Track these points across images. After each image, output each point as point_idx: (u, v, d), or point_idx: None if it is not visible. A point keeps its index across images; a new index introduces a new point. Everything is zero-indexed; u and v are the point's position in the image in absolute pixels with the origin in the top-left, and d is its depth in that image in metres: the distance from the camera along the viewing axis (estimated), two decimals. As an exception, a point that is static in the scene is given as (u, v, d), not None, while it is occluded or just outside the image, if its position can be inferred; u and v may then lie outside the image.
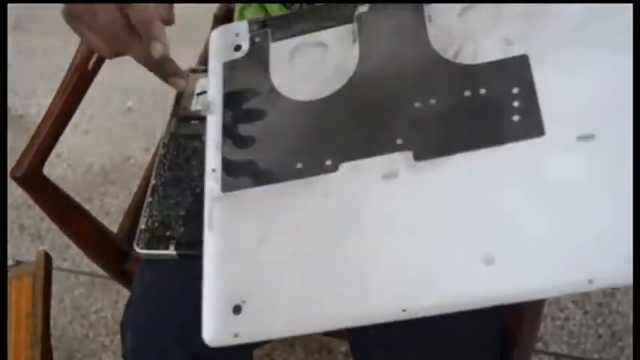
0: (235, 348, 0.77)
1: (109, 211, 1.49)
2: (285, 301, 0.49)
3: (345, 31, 0.57)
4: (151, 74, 0.60)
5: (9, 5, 1.89)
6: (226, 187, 0.54)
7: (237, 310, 0.49)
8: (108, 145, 1.60)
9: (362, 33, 0.56)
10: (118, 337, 0.81)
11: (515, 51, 0.51)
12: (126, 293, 1.22)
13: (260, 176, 0.53)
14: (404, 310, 0.46)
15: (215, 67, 0.60)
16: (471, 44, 0.53)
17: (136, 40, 0.57)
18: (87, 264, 1.38)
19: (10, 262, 0.97)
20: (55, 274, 0.99)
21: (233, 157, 0.55)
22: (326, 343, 1.20)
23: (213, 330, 0.50)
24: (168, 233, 0.80)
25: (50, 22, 1.81)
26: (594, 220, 0.45)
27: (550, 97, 0.49)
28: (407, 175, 0.49)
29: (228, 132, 0.56)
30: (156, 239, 0.80)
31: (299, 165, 0.52)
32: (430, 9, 0.55)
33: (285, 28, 0.58)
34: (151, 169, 0.89)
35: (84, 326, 1.36)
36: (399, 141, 0.51)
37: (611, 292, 1.22)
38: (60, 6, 0.57)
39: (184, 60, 1.17)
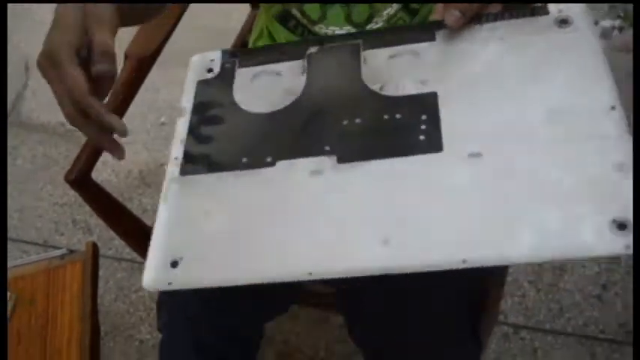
0: (250, 321, 0.78)
1: (146, 208, 1.49)
2: (215, 261, 0.50)
3: (297, 64, 0.60)
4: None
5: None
6: (184, 172, 0.55)
7: (174, 264, 0.50)
8: (145, 154, 1.60)
9: (310, 67, 0.59)
10: (154, 312, 0.81)
11: (428, 89, 0.54)
12: (160, 276, 1.22)
13: (212, 166, 0.54)
14: (310, 273, 0.46)
15: (190, 83, 0.62)
16: (394, 82, 0.56)
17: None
18: (128, 252, 1.38)
19: (64, 251, 0.96)
20: (101, 261, 0.99)
21: (193, 150, 0.56)
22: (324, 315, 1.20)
23: (152, 277, 0.51)
24: (194, 226, 0.79)
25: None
26: (470, 214, 0.47)
27: (450, 124, 0.52)
28: (330, 173, 0.52)
29: (192, 131, 0.58)
30: (184, 231, 0.80)
31: (244, 159, 0.54)
32: (366, 53, 0.58)
33: (250, 58, 0.60)
34: (180, 174, 0.88)
35: (125, 303, 1.36)
36: (326, 147, 0.53)
37: (560, 274, 1.22)
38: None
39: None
